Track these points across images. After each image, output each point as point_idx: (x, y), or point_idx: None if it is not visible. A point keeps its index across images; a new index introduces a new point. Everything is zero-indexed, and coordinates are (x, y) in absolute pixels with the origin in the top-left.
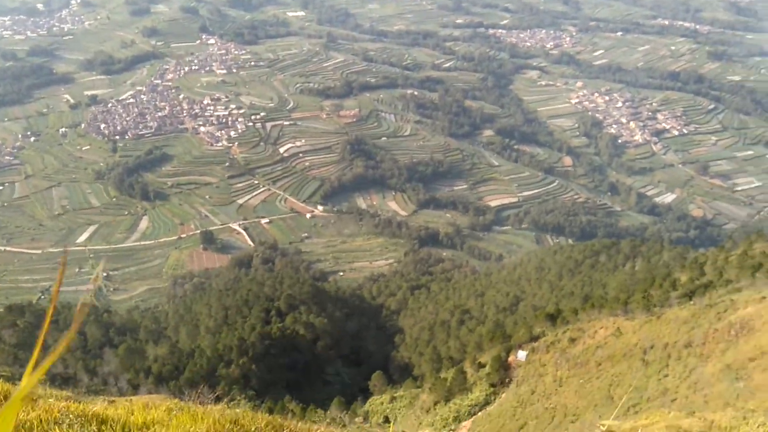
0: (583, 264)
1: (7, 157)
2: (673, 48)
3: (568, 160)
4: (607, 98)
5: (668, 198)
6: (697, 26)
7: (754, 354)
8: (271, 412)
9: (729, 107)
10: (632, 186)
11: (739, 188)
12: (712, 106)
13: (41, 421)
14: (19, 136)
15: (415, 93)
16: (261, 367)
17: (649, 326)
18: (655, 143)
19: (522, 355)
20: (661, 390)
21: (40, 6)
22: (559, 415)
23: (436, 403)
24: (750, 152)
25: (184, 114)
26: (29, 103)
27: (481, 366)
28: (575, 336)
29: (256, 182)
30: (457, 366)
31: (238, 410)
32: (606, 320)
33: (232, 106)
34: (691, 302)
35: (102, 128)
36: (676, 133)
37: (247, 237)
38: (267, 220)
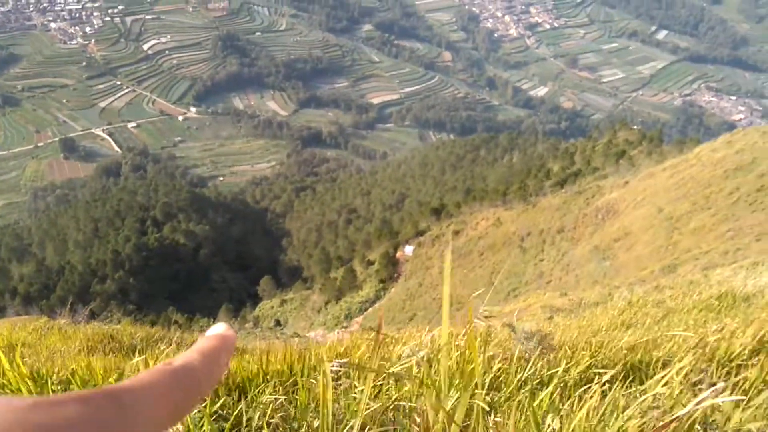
0: (465, 159)
1: None
2: None
3: (447, 55)
4: None
5: (541, 91)
6: None
7: (618, 235)
8: (153, 325)
9: (596, 0)
10: (508, 80)
11: (605, 80)
12: (580, 0)
13: None
14: None
15: None
16: (140, 279)
17: (525, 215)
18: (529, 37)
19: (409, 250)
20: (538, 273)
21: None
22: None
23: (327, 303)
24: (615, 45)
25: (31, 8)
26: None
27: (370, 263)
28: (459, 228)
29: (119, 83)
30: (347, 265)
31: (114, 326)
32: (487, 212)
33: None
34: (563, 190)
35: None
36: (547, 26)
37: (113, 143)
38: (134, 124)
